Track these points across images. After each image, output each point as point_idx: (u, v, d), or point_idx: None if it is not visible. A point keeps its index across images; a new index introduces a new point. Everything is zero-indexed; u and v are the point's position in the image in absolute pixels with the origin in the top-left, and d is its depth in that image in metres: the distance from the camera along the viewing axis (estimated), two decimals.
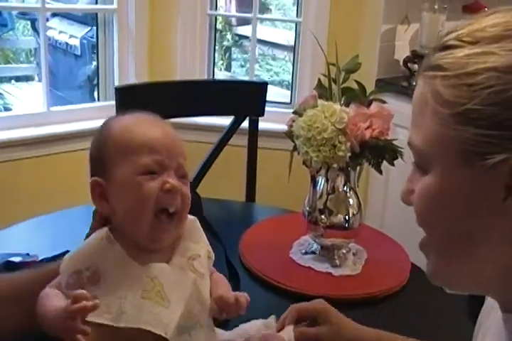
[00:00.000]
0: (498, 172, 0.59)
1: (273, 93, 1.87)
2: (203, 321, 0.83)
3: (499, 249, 0.61)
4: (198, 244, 0.88)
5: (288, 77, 4.19)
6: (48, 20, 2.90)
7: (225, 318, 0.88)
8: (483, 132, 0.59)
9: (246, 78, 4.46)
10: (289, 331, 0.90)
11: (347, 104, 1.25)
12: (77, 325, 0.72)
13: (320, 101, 1.25)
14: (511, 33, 0.59)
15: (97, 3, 2.76)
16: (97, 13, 2.76)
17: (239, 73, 4.68)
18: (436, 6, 2.42)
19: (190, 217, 0.88)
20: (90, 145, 0.87)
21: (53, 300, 0.79)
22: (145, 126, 0.85)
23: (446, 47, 0.62)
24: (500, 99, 0.58)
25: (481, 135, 0.59)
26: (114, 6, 2.62)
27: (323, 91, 1.31)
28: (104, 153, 0.84)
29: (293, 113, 1.30)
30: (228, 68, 4.67)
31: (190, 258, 0.85)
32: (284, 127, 1.32)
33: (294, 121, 1.27)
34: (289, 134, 1.28)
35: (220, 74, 4.15)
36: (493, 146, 0.59)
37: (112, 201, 0.83)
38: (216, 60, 2.86)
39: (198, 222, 0.90)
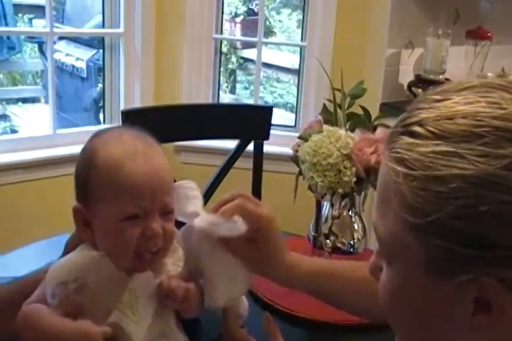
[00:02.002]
0: (466, 288, 0.54)
1: (277, 115, 1.89)
2: (169, 332, 0.83)
3: None
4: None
5: (292, 99, 4.22)
6: (55, 43, 2.93)
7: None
8: (450, 247, 0.53)
9: (250, 100, 4.51)
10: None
11: (352, 130, 1.26)
12: None
13: (325, 127, 1.26)
14: (480, 131, 0.53)
15: (103, 27, 2.80)
16: (103, 37, 2.80)
17: (243, 95, 4.72)
18: (440, 32, 2.44)
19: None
20: (76, 166, 0.83)
21: (48, 316, 0.78)
22: (132, 162, 0.79)
23: (410, 134, 0.56)
24: (468, 213, 0.52)
25: (447, 250, 0.53)
26: (121, 30, 2.65)
27: (329, 117, 1.32)
28: (88, 183, 0.80)
29: (298, 138, 1.31)
30: (233, 91, 4.71)
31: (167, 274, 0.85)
32: (288, 150, 1.33)
33: (299, 146, 1.28)
34: (295, 159, 1.29)
35: (225, 97, 4.18)
36: (461, 264, 0.53)
37: (95, 233, 0.81)
38: (221, 83, 2.88)
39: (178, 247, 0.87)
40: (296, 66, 2.87)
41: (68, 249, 0.85)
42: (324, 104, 1.35)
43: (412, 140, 0.56)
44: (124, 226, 0.78)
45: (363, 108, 1.30)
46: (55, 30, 2.57)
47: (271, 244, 0.87)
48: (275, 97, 4.64)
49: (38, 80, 4.96)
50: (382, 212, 0.59)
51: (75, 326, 0.75)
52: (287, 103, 4.42)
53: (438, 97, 0.57)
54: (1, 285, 0.96)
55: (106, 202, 0.79)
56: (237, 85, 4.83)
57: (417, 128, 0.56)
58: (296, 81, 2.90)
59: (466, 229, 0.52)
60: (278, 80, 4.66)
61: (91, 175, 0.80)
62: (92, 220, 0.81)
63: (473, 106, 0.55)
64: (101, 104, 3.55)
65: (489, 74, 2.49)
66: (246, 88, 4.79)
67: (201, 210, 0.85)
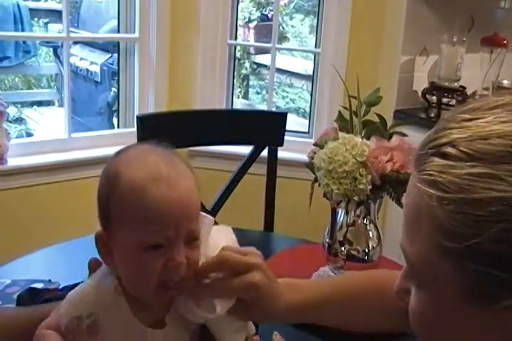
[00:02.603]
0: (503, 316, 0.53)
1: (289, 121, 1.89)
2: None
3: None
4: None
5: (304, 105, 4.23)
6: (69, 47, 2.95)
7: None
8: (490, 271, 0.51)
9: (262, 105, 4.52)
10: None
11: (367, 137, 1.27)
12: None
13: (341, 134, 1.26)
14: None
15: (119, 31, 2.82)
16: (118, 42, 2.82)
17: (255, 100, 4.73)
18: (455, 39, 2.44)
19: None
20: (98, 186, 0.78)
21: None
22: (155, 187, 0.73)
23: (442, 155, 0.54)
24: (510, 237, 0.50)
25: (487, 274, 0.51)
26: (136, 35, 2.67)
27: (344, 124, 1.32)
28: (109, 207, 0.76)
29: (314, 145, 1.31)
30: (246, 96, 4.73)
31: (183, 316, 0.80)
32: (302, 157, 1.34)
33: (314, 153, 1.28)
34: (310, 166, 1.29)
35: (238, 102, 4.20)
36: (502, 289, 0.52)
37: (116, 260, 0.77)
38: (234, 88, 2.89)
39: None
40: (309, 71, 2.88)
41: (90, 270, 0.81)
42: (340, 112, 1.35)
43: (444, 161, 0.54)
44: (146, 257, 0.73)
45: (379, 116, 1.30)
46: (71, 35, 2.59)
47: (266, 296, 0.80)
48: (287, 102, 4.65)
49: (53, 84, 5.00)
50: (412, 235, 0.57)
51: None
52: (299, 108, 4.43)
53: (468, 116, 0.55)
54: (22, 310, 0.95)
55: (127, 229, 0.74)
56: (250, 90, 4.85)
57: (449, 149, 0.54)
58: (309, 86, 2.90)
59: (508, 252, 0.50)
60: (290, 85, 4.67)
61: (113, 199, 0.75)
62: (113, 247, 0.76)
63: (508, 125, 0.53)
64: (114, 108, 3.58)
65: (505, 81, 2.48)
66: (258, 93, 4.80)
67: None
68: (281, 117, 1.88)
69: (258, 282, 0.77)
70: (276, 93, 4.50)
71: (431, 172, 0.54)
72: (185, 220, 0.74)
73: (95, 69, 4.49)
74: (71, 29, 2.58)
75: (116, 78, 2.99)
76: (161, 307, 0.79)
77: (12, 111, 4.21)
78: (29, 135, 4.14)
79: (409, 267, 0.59)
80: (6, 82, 4.88)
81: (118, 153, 0.79)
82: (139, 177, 0.74)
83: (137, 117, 1.78)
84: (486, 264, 0.51)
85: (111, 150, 2.44)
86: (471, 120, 0.55)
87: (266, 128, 1.87)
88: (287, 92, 4.70)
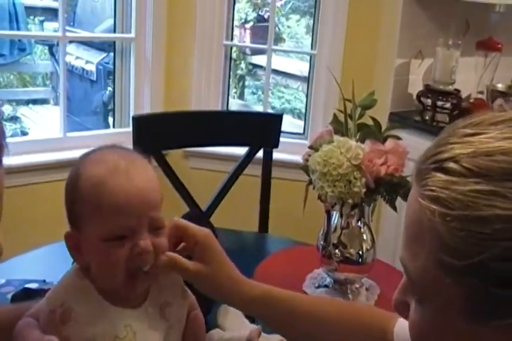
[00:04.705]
0: (508, 333, 0.52)
1: (285, 122, 1.90)
2: None
3: None
4: (170, 289, 0.85)
5: (299, 105, 4.23)
6: (65, 46, 2.94)
7: None
8: (492, 289, 0.51)
9: (258, 106, 4.52)
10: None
11: (362, 140, 1.27)
12: None
13: (336, 137, 1.27)
14: None
15: (115, 31, 2.82)
16: (114, 41, 2.82)
17: (250, 100, 4.74)
18: (450, 42, 2.45)
19: None
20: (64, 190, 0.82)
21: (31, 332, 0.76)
22: (113, 180, 0.76)
23: (443, 170, 0.54)
24: None
25: (489, 292, 0.51)
26: (132, 35, 2.67)
27: (339, 127, 1.33)
28: (74, 204, 0.79)
29: (309, 148, 1.32)
30: (241, 96, 4.73)
31: (163, 306, 0.82)
32: (297, 158, 1.34)
33: (309, 155, 1.29)
34: (305, 168, 1.29)
35: (234, 103, 4.20)
36: (505, 307, 0.51)
37: (84, 254, 0.79)
38: (230, 89, 2.90)
39: None
40: (305, 73, 2.88)
41: None
42: (335, 114, 1.36)
43: (446, 177, 0.53)
44: (112, 247, 0.76)
45: (374, 119, 1.30)
46: (67, 34, 2.59)
47: (214, 259, 0.81)
48: (282, 103, 4.65)
49: (48, 82, 4.99)
50: (413, 250, 0.57)
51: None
52: (294, 109, 4.43)
53: (470, 131, 0.55)
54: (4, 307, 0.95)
55: (92, 223, 0.77)
56: (246, 90, 4.85)
57: (451, 165, 0.53)
58: (305, 88, 2.91)
59: (511, 270, 0.50)
60: (286, 86, 4.68)
61: (76, 197, 0.78)
62: (82, 244, 0.78)
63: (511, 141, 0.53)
64: (110, 108, 3.57)
65: (499, 85, 2.49)
66: (254, 93, 4.80)
67: None
68: (277, 119, 1.89)
69: (209, 233, 0.81)
70: (272, 93, 4.50)
71: (433, 188, 0.54)
72: (145, 209, 0.77)
73: (91, 68, 4.48)
74: (67, 28, 2.57)
75: (111, 77, 2.98)
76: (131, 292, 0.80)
77: (7, 109, 4.20)
78: (24, 134, 4.13)
79: (410, 282, 0.59)
80: (1, 79, 4.87)
81: (80, 157, 0.82)
82: (97, 173, 0.77)
83: (133, 118, 1.79)
84: (488, 282, 0.51)
85: None
86: (473, 135, 0.54)
87: (261, 129, 1.88)
88: (283, 93, 4.70)
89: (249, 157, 1.86)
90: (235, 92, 4.56)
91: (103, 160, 0.79)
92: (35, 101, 4.81)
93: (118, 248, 0.76)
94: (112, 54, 2.93)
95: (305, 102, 2.86)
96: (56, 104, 4.12)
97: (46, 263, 1.44)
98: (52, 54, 4.65)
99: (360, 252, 1.27)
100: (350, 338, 0.84)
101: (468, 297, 0.53)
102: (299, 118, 3.81)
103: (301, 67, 3.83)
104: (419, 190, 0.56)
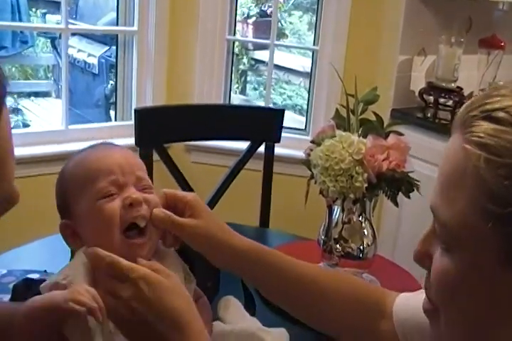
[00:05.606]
0: None
1: (286, 117, 1.90)
2: None
3: None
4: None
5: (301, 101, 4.23)
6: (68, 38, 2.95)
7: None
8: None
9: (260, 101, 4.52)
10: None
11: (364, 135, 1.27)
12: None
13: (338, 132, 1.27)
14: None
15: (118, 24, 2.82)
16: (117, 34, 2.82)
17: (252, 96, 4.74)
18: (453, 40, 2.45)
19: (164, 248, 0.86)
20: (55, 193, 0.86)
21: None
22: (96, 154, 0.84)
23: (492, 119, 0.54)
24: None
25: None
26: (135, 28, 2.67)
27: (341, 122, 1.33)
28: (65, 192, 0.84)
29: (311, 142, 1.32)
30: (243, 91, 4.73)
31: None
32: (299, 153, 1.34)
33: (311, 150, 1.29)
34: (307, 163, 1.30)
35: (235, 98, 4.20)
36: None
37: (82, 235, 0.82)
38: (232, 83, 2.90)
39: (173, 250, 0.87)
40: (307, 69, 2.88)
41: None
42: (337, 109, 1.36)
43: (496, 126, 0.53)
44: (102, 203, 0.80)
45: (376, 114, 1.31)
46: (69, 26, 2.59)
47: (204, 212, 0.84)
48: (284, 99, 4.65)
49: (50, 75, 4.99)
50: (450, 196, 0.56)
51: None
52: (296, 105, 4.43)
53: None
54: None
55: (82, 193, 0.81)
56: (248, 86, 4.85)
57: (501, 115, 0.54)
58: (307, 83, 2.91)
59: None
60: (288, 82, 4.67)
61: (65, 181, 0.84)
62: (77, 228, 0.82)
63: None
64: (112, 101, 3.58)
65: (501, 83, 2.49)
66: (255, 89, 4.80)
67: None
68: (278, 113, 1.89)
69: (196, 196, 0.84)
70: (274, 89, 4.50)
71: (481, 134, 0.54)
72: (130, 168, 0.83)
73: (93, 61, 4.48)
74: (69, 20, 2.57)
75: (113, 70, 2.99)
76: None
77: (9, 101, 4.19)
78: (26, 126, 4.13)
79: (442, 229, 0.58)
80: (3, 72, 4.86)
81: (61, 170, 0.87)
82: (83, 155, 0.85)
83: (135, 110, 1.78)
84: None
85: None
86: None
87: (263, 124, 1.88)
88: (284, 89, 4.70)
89: (250, 151, 1.86)
90: (237, 87, 4.56)
91: (90, 151, 0.86)
92: (37, 94, 4.81)
93: (109, 202, 0.80)
94: (114, 47, 2.93)
95: (307, 98, 2.86)
96: (58, 96, 4.11)
97: (47, 254, 1.45)
98: (54, 47, 4.65)
99: (361, 247, 1.28)
100: (339, 296, 0.86)
101: (506, 246, 0.52)
102: (301, 114, 3.82)
103: (304, 63, 3.83)
104: (464, 136, 0.56)
